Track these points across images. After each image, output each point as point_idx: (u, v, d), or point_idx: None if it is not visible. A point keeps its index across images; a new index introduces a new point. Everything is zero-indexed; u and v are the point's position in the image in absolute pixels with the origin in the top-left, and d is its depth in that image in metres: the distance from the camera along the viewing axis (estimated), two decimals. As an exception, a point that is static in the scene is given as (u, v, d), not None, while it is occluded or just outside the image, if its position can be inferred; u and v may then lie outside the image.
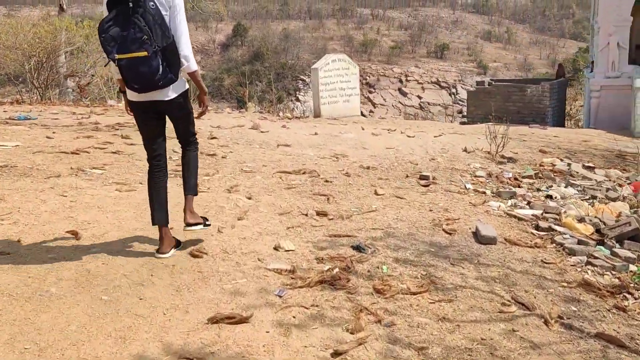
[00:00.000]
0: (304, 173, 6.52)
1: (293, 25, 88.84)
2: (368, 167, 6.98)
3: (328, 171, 6.72)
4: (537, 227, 4.59)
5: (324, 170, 6.77)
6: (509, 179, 6.90)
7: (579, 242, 4.22)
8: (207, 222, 3.99)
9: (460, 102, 66.21)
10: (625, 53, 12.14)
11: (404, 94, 68.66)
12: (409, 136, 9.63)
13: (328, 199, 5.29)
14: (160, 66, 3.28)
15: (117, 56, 3.21)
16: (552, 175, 7.07)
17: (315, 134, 9.27)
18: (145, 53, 3.20)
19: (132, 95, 3.49)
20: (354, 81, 13.19)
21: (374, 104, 66.43)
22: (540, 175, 7.07)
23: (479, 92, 13.96)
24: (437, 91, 69.44)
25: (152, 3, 3.26)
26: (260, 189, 5.61)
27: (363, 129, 10.35)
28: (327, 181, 6.14)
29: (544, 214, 5.00)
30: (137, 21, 3.19)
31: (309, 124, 11.04)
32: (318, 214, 4.76)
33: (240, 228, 4.31)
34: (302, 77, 74.12)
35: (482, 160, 7.79)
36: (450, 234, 4.32)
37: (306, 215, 4.73)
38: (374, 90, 69.31)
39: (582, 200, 6.03)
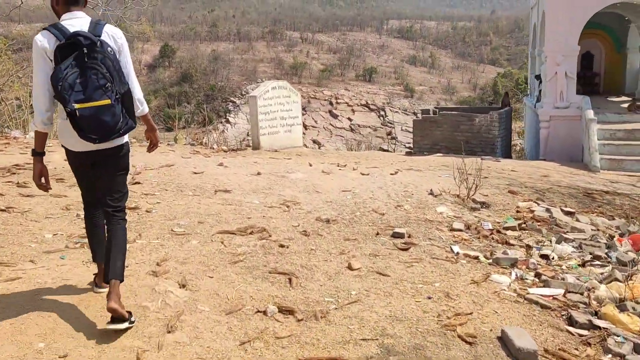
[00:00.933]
0: (251, 233, 5.14)
1: (222, 47, 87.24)
2: (328, 221, 5.69)
3: (280, 228, 5.37)
4: (572, 321, 3.43)
5: (275, 226, 5.42)
6: (491, 231, 5.81)
7: (635, 349, 3.09)
8: (132, 319, 3.14)
9: (389, 125, 66.73)
10: (573, 83, 11.61)
11: (335, 116, 68.37)
12: (363, 174, 8.44)
13: (290, 279, 3.93)
14: (121, 114, 3.02)
15: (76, 106, 2.86)
16: (537, 226, 6.04)
17: (258, 173, 7.90)
18: (108, 101, 2.93)
19: (80, 146, 3.10)
20: (296, 110, 11.93)
21: (305, 126, 65.61)
22: (524, 226, 6.02)
23: (425, 122, 13.06)
24: (366, 113, 69.64)
25: (110, 48, 3.01)
26: (198, 265, 4.17)
27: (310, 165, 9.08)
28: (282, 246, 4.78)
29: (567, 293, 3.87)
30: (97, 67, 2.93)
31: (249, 160, 9.67)
32: (281, 310, 3.39)
33: (171, 349, 2.88)
34: (232, 98, 72.41)
35: (453, 207, 6.68)
36: (470, 343, 3.06)
37: (264, 313, 3.35)
38: (305, 112, 68.53)
39: (583, 259, 5.00)
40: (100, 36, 2.99)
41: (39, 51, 2.92)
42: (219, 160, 8.98)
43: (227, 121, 66.79)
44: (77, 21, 3.02)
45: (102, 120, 2.93)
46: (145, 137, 3.55)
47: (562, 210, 6.82)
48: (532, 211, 6.69)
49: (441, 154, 12.27)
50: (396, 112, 69.03)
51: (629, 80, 14.54)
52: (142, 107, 3.26)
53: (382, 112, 68.76)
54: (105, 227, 3.25)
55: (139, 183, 6.81)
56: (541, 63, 13.42)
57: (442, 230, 5.71)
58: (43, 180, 3.09)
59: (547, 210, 6.76)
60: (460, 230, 5.72)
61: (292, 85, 11.80)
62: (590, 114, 10.79)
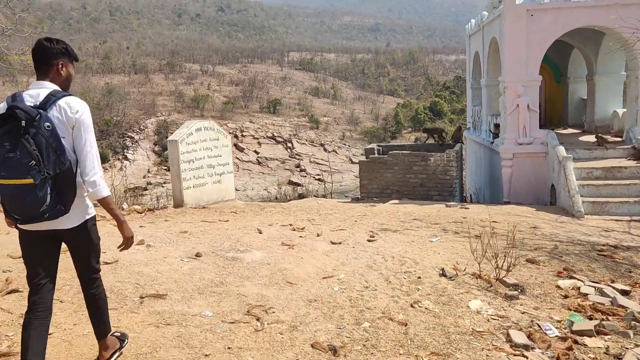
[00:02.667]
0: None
1: (117, 80, 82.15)
2: (334, 350, 3.58)
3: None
4: None
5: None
6: (563, 340, 3.97)
7: None
8: (123, 344, 3.42)
9: (297, 157, 65.33)
10: (535, 116, 10.39)
11: (241, 150, 65.90)
12: (333, 242, 6.40)
13: None
14: (48, 196, 2.69)
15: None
16: (618, 326, 4.28)
17: (198, 255, 5.60)
18: (30, 181, 2.64)
19: (25, 224, 2.85)
20: (226, 155, 9.70)
21: (210, 161, 62.58)
22: (603, 329, 4.23)
23: (374, 163, 11.29)
24: (273, 146, 67.80)
25: (47, 124, 2.69)
26: None
27: (260, 232, 6.89)
28: None
29: None
30: (26, 143, 2.64)
31: (175, 226, 7.31)
32: None
33: None
34: (129, 134, 67.87)
35: (483, 295, 4.80)
36: None
37: None
38: (209, 147, 65.59)
39: None
40: (45, 110, 2.75)
41: None
42: (136, 232, 6.54)
43: (125, 158, 62.39)
44: (37, 91, 2.83)
45: (23, 200, 2.67)
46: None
47: (615, 288, 5.14)
48: (583, 295, 4.95)
49: (395, 200, 10.51)
50: (303, 143, 67.95)
51: (572, 110, 13.78)
52: (92, 189, 2.87)
53: (289, 144, 67.37)
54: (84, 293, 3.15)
55: (12, 292, 4.31)
56: (499, 95, 12.18)
57: (503, 349, 3.77)
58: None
59: (599, 290, 5.05)
60: (525, 346, 3.82)
61: (194, 118, 9.50)
62: (562, 150, 9.52)
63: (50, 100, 2.78)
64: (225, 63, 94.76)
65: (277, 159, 64.40)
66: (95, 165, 2.85)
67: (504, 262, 5.22)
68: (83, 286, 3.14)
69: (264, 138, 67.63)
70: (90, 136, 2.85)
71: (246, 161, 63.47)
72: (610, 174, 9.33)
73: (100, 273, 3.22)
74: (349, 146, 68.87)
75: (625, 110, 11.69)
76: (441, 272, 5.27)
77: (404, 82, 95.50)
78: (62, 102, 2.81)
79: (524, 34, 10.09)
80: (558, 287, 5.15)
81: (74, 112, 2.81)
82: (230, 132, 67.49)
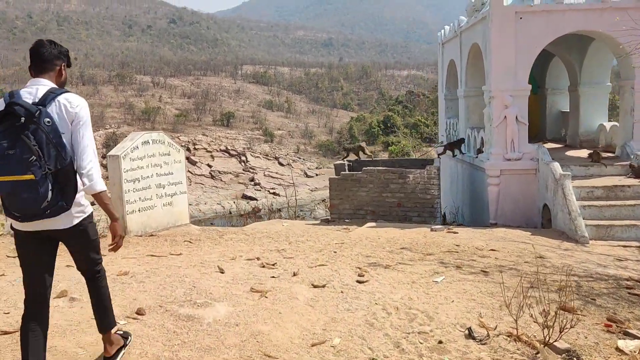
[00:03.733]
0: None
1: (64, 91, 78.37)
2: None
3: None
4: None
5: None
6: None
7: None
8: (127, 341, 3.39)
9: (252, 170, 63.57)
10: (525, 129, 9.34)
11: (193, 163, 63.49)
12: (315, 286, 5.01)
13: None
14: (50, 192, 2.63)
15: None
16: None
17: (139, 313, 4.10)
18: (31, 176, 2.56)
19: (15, 223, 2.80)
20: (179, 173, 8.18)
21: (161, 175, 59.98)
22: None
23: (346, 181, 9.97)
24: (227, 159, 65.74)
25: (47, 120, 2.65)
26: None
27: (222, 272, 5.42)
28: None
29: None
30: (26, 139, 2.58)
31: (114, 263, 5.76)
32: None
33: None
34: (77, 146, 64.48)
35: (530, 366, 3.51)
36: None
37: None
38: (160, 160, 62.95)
39: None
40: (45, 106, 2.71)
41: None
42: (59, 275, 4.95)
43: (72, 171, 59.14)
44: (36, 88, 2.80)
45: (23, 197, 2.60)
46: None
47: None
48: (654, 361, 3.73)
49: (372, 223, 9.21)
50: (257, 157, 66.28)
51: (550, 123, 12.92)
52: (89, 182, 2.78)
53: (243, 158, 65.55)
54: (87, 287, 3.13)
55: None
56: (478, 106, 11.13)
57: None
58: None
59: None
60: None
61: (144, 131, 8.03)
62: (559, 167, 8.46)
63: (49, 96, 2.74)
64: (177, 75, 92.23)
65: (230, 173, 62.43)
66: (93, 159, 2.79)
67: (546, 318, 3.94)
68: (86, 279, 3.11)
69: (217, 151, 65.60)
70: (89, 132, 2.80)
71: (199, 175, 61.18)
72: (613, 194, 8.33)
73: (100, 266, 3.14)
74: (303, 159, 67.64)
75: (613, 123, 10.84)
76: (467, 332, 3.96)
77: (357, 97, 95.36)
78: (61, 98, 2.78)
79: (513, 38, 9.06)
80: (619, 350, 3.91)
81: (74, 107, 2.77)
82: (182, 145, 65.14)
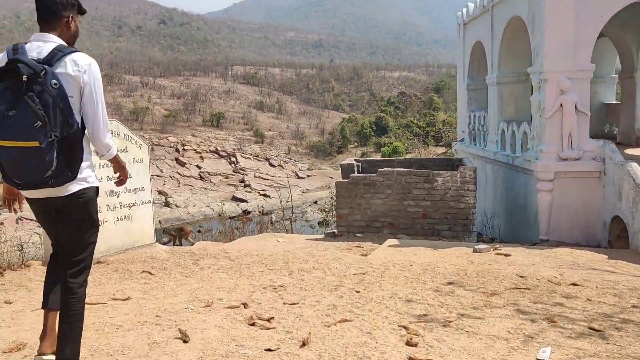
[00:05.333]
0: None
1: (51, 91, 75.78)
2: None
3: None
4: None
5: None
6: None
7: None
8: None
9: (242, 172, 61.23)
10: (585, 121, 7.32)
11: (182, 164, 61.11)
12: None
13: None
14: (55, 160, 2.36)
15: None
16: None
17: None
18: (36, 143, 2.30)
19: (26, 192, 2.56)
20: (141, 176, 6.01)
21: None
22: None
23: (357, 185, 7.85)
24: (216, 160, 63.26)
25: (54, 81, 2.35)
26: None
27: (186, 340, 3.28)
28: None
29: None
30: (30, 102, 2.29)
31: (18, 318, 3.60)
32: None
33: None
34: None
35: None
36: None
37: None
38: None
39: None
40: (51, 65, 2.40)
41: None
42: None
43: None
44: (41, 44, 2.48)
45: (26, 164, 2.35)
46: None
47: None
48: None
49: (394, 241, 7.09)
50: (248, 158, 64.03)
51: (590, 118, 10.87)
52: (107, 152, 2.65)
53: (233, 159, 63.25)
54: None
55: None
56: (513, 94, 9.05)
57: None
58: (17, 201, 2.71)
59: None
60: None
61: (132, 132, 6.02)
62: (638, 169, 6.41)
63: (56, 55, 2.43)
64: (166, 75, 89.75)
65: (220, 174, 60.09)
66: (106, 127, 2.57)
67: None
68: (62, 280, 2.63)
69: (207, 152, 63.32)
70: (100, 95, 2.54)
71: (188, 176, 58.80)
72: None
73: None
74: (294, 161, 65.48)
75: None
76: None
77: (349, 98, 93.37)
78: (69, 58, 2.46)
79: (572, 7, 7.00)
80: None
81: (82, 69, 2.47)
82: (170, 146, 62.80)
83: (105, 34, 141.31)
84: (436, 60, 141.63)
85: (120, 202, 5.75)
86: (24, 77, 2.30)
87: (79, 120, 2.48)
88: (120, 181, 2.92)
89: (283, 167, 62.43)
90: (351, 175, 8.00)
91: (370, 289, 4.56)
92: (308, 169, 62.29)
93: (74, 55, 2.49)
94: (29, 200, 2.62)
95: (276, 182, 58.72)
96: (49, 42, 2.50)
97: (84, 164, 2.55)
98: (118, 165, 2.83)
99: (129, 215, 5.85)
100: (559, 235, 7.35)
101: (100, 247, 5.35)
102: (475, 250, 6.35)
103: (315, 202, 47.88)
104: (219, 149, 63.86)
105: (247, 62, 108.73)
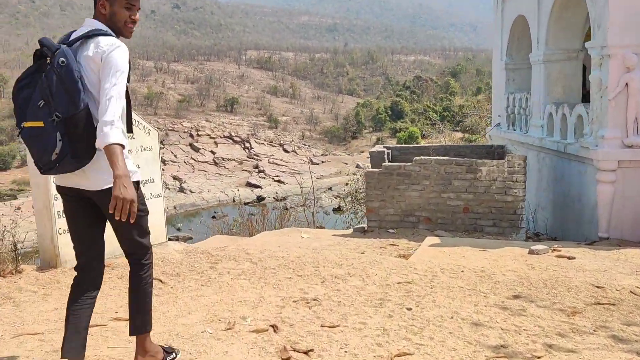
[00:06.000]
0: None
1: (65, 76, 75.40)
2: None
3: None
4: None
5: None
6: None
7: None
8: (168, 357, 2.67)
9: (256, 157, 60.54)
10: (652, 103, 6.41)
11: (196, 149, 60.65)
12: None
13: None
14: (59, 142, 2.21)
15: (23, 125, 2.28)
16: None
17: None
18: (40, 123, 2.22)
19: (57, 179, 2.46)
20: (150, 166, 5.23)
21: (164, 161, 57.10)
22: None
23: (390, 175, 7.02)
24: (230, 145, 62.65)
25: (62, 60, 2.24)
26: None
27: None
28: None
29: None
30: (40, 81, 2.25)
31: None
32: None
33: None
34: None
35: None
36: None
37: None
38: (162, 146, 59.90)
39: None
40: (70, 45, 2.32)
41: None
42: None
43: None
44: (81, 29, 2.41)
45: (35, 145, 2.27)
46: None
47: None
48: None
49: (433, 239, 6.26)
50: (262, 143, 63.32)
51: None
52: (103, 131, 2.18)
53: (247, 144, 62.58)
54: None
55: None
56: (562, 73, 8.12)
57: None
58: None
59: None
60: None
61: (147, 117, 5.23)
62: None
63: (83, 36, 2.35)
64: (180, 60, 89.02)
65: (234, 160, 59.53)
66: (113, 110, 2.21)
67: None
68: (129, 263, 2.60)
69: (221, 137, 62.74)
70: (118, 79, 2.25)
71: (202, 162, 58.36)
72: None
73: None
74: (309, 146, 64.59)
75: None
76: None
77: (363, 82, 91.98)
78: (94, 40, 2.33)
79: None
80: None
81: (102, 49, 2.29)
82: (185, 132, 62.24)
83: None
84: (452, 43, 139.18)
85: (126, 197, 4.98)
86: (47, 59, 2.26)
87: (90, 101, 2.29)
88: (113, 204, 2.18)
89: (297, 153, 61.66)
90: (383, 164, 7.16)
91: (424, 305, 3.77)
92: (322, 155, 61.42)
93: (100, 37, 2.34)
94: (63, 190, 2.44)
95: (290, 168, 57.99)
96: (86, 27, 2.40)
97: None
98: (112, 162, 2.20)
99: (136, 211, 5.08)
100: (620, 233, 6.47)
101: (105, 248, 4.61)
102: (531, 252, 5.52)
103: (330, 189, 47.04)
104: (232, 134, 63.21)
105: (261, 46, 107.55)
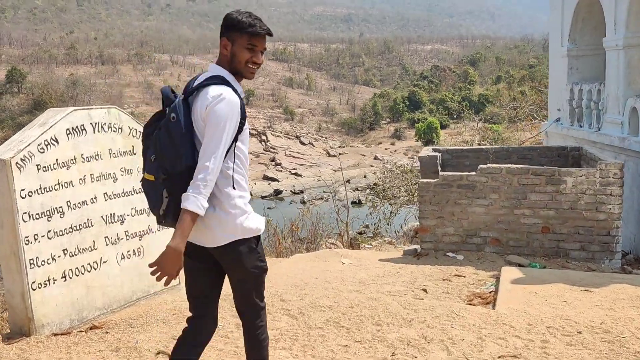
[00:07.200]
0: None
1: (83, 71, 74.75)
2: None
3: None
4: None
5: None
6: None
7: None
8: None
9: (272, 150, 59.40)
10: None
11: (213, 143, 59.77)
12: None
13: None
14: (165, 200, 2.10)
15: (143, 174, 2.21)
16: None
17: None
18: (151, 177, 2.14)
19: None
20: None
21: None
22: None
23: (448, 188, 5.72)
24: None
25: (173, 115, 2.12)
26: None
27: None
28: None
29: None
30: (156, 135, 2.15)
31: None
32: None
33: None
34: (95, 127, 61.07)
35: None
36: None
37: None
38: (179, 141, 59.19)
39: None
40: (186, 97, 2.18)
41: None
42: None
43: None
44: (202, 75, 2.26)
45: (148, 197, 2.19)
46: None
47: None
48: None
49: (512, 271, 4.96)
50: (278, 136, 62.11)
51: None
52: (187, 192, 2.06)
53: (264, 137, 61.41)
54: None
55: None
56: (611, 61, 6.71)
57: None
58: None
59: None
60: None
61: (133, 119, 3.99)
62: None
63: (199, 86, 2.20)
64: (196, 53, 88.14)
65: (251, 153, 57.94)
66: (203, 173, 2.06)
67: None
68: (242, 321, 2.38)
69: (237, 130, 61.64)
70: (219, 133, 2.09)
71: (218, 155, 57.38)
72: None
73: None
74: (325, 138, 63.26)
75: None
76: None
77: (380, 72, 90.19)
78: (205, 90, 2.18)
79: None
80: None
81: (208, 102, 2.13)
82: (201, 125, 61.23)
83: (136, 13, 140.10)
84: (470, 32, 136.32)
85: (126, 231, 3.77)
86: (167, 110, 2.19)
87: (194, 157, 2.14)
88: (158, 277, 2.08)
89: (314, 145, 60.37)
90: (441, 174, 5.84)
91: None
92: (339, 147, 60.02)
93: (210, 87, 2.17)
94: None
95: (307, 161, 56.76)
96: (207, 73, 2.26)
97: (225, 212, 2.20)
98: (173, 235, 2.05)
99: (140, 249, 3.87)
100: None
101: (96, 302, 3.42)
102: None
103: (348, 181, 45.71)
104: (249, 127, 62.15)
105: (276, 37, 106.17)
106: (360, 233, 16.58)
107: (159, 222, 2.22)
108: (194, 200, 2.04)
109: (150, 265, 2.06)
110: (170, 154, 2.12)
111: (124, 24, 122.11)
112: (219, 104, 2.12)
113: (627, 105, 6.80)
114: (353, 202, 28.82)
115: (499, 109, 40.49)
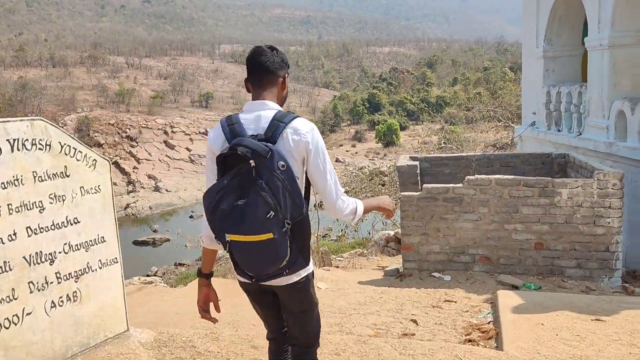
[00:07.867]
0: None
1: (32, 74, 71.49)
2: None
3: None
4: None
5: None
6: None
7: None
8: None
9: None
10: None
11: (171, 147, 58.02)
12: None
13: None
14: (289, 250, 2.00)
15: (227, 237, 1.98)
16: None
17: None
18: (270, 235, 1.95)
19: (240, 277, 2.24)
20: (101, 216, 3.22)
21: (138, 160, 54.46)
22: None
23: (433, 202, 5.16)
24: (206, 142, 60.39)
25: (282, 163, 1.98)
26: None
27: None
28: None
29: None
30: (260, 190, 1.95)
31: None
32: None
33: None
34: (47, 132, 58.38)
35: None
36: None
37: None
38: (136, 144, 57.11)
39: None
40: (275, 143, 2.00)
41: (208, 147, 2.19)
42: None
43: (41, 159, 53.30)
44: (259, 114, 2.06)
45: (261, 258, 2.01)
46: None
47: None
48: None
49: (511, 297, 4.42)
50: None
51: None
52: (354, 216, 2.17)
53: (224, 140, 60.21)
54: None
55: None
56: (632, 60, 6.34)
57: None
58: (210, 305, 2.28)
59: None
60: None
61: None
62: None
63: (277, 128, 2.05)
64: (152, 55, 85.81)
65: (212, 156, 57.21)
66: (340, 193, 2.13)
67: None
68: (292, 353, 2.38)
69: (196, 134, 60.29)
70: (329, 164, 2.13)
71: (177, 159, 55.84)
72: None
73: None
74: (287, 141, 62.67)
75: None
76: None
77: (339, 75, 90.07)
78: (289, 129, 2.05)
79: None
80: None
81: (304, 137, 2.05)
82: (159, 129, 59.52)
83: (88, 14, 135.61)
84: (426, 34, 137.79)
85: (57, 273, 3.01)
86: (252, 163, 1.96)
87: (318, 188, 2.15)
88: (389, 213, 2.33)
89: (276, 148, 59.60)
90: (425, 186, 5.27)
91: None
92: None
93: (295, 123, 2.05)
94: (248, 287, 2.24)
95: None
96: (267, 110, 2.09)
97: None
98: (370, 209, 2.29)
99: (76, 293, 3.11)
100: None
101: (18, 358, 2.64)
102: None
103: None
104: (208, 130, 60.81)
105: (234, 40, 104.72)
106: (324, 236, 15.99)
107: (265, 279, 2.09)
108: (355, 206, 2.16)
109: (382, 209, 2.25)
110: (289, 203, 2.00)
111: (76, 26, 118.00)
112: (317, 134, 2.09)
113: (612, 109, 6.42)
114: (315, 205, 28.28)
115: (457, 109, 40.78)
